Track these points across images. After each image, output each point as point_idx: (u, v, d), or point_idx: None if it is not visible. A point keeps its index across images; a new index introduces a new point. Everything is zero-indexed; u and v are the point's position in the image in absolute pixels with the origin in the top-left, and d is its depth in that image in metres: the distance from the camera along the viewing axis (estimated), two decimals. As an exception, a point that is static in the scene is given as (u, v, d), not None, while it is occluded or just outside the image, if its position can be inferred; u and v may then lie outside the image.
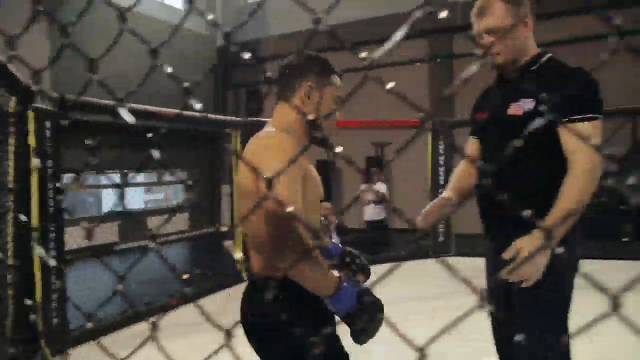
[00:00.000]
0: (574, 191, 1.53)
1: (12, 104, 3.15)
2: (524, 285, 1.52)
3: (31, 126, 3.19)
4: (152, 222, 10.16)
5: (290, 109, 1.46)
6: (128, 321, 4.29)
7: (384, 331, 1.26)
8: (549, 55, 1.73)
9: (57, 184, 3.50)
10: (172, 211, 10.94)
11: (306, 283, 1.29)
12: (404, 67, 10.01)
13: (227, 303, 4.93)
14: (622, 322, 0.45)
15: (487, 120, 1.81)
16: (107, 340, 3.94)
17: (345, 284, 1.31)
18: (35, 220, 3.29)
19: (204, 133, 5.88)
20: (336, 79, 1.49)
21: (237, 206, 1.48)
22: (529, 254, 1.45)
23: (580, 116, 1.57)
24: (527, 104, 1.65)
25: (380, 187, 7.83)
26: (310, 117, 1.45)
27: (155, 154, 0.64)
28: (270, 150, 1.34)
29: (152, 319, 0.50)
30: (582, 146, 1.55)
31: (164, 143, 5.30)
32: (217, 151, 5.98)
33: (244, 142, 5.80)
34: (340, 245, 1.64)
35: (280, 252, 1.23)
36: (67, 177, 8.49)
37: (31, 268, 3.30)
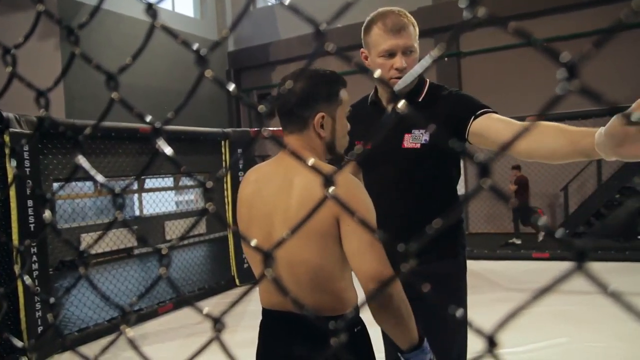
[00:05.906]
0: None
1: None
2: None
3: (7, 150, 3.39)
4: (169, 226, 10.47)
5: (304, 138, 1.34)
6: (115, 328, 4.48)
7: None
8: (428, 82, 1.76)
9: (47, 195, 3.68)
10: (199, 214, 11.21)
11: (398, 328, 1.21)
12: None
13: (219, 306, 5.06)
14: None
15: (375, 152, 1.70)
16: (94, 346, 4.12)
17: (426, 343, 1.23)
18: (15, 238, 3.49)
19: (209, 137, 6.07)
20: (344, 93, 1.37)
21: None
22: None
23: (482, 111, 1.58)
24: (424, 136, 1.66)
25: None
26: (328, 140, 1.35)
27: (173, 159, 0.59)
28: (357, 190, 1.25)
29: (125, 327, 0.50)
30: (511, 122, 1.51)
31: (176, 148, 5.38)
32: (219, 155, 6.17)
33: (233, 149, 5.95)
34: None
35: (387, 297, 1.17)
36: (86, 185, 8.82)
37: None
